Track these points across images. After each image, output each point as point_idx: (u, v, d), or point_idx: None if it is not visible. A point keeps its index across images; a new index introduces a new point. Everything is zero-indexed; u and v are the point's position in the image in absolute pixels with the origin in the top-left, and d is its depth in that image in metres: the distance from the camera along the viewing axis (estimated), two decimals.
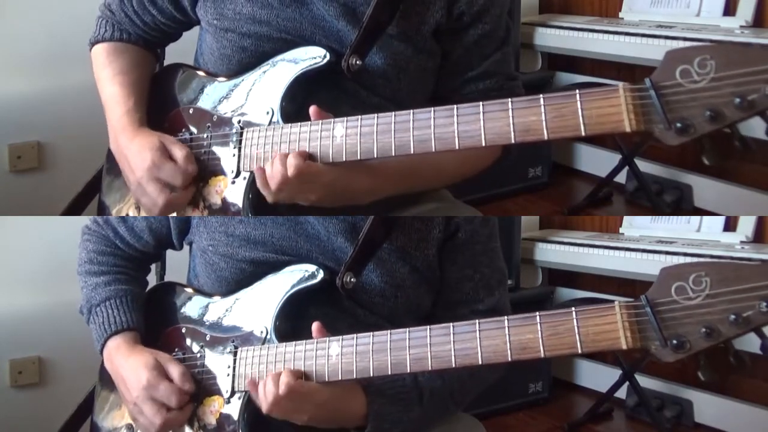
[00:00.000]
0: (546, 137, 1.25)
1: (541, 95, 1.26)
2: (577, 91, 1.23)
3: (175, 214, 1.58)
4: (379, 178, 1.47)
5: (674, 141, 1.16)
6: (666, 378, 2.98)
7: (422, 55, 1.53)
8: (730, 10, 2.94)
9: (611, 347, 1.22)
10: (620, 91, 1.20)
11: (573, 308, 1.24)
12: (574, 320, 1.24)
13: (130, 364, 1.54)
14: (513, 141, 1.28)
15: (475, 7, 1.54)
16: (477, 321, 1.30)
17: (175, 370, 1.52)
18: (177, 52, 1.75)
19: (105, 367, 1.62)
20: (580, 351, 1.23)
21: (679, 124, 1.16)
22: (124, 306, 1.61)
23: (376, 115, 1.38)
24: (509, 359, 1.28)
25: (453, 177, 1.60)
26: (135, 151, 1.54)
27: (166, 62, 1.74)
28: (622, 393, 3.04)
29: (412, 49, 1.52)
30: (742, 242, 2.82)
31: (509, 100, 1.28)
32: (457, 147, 1.32)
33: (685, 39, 2.84)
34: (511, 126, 1.28)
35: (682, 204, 3.04)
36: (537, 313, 1.27)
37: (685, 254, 2.80)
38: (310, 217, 1.51)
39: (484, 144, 1.30)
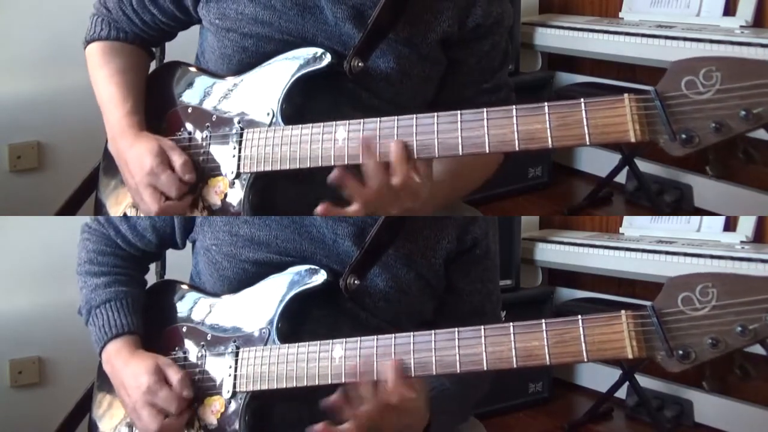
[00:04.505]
0: (550, 145, 1.25)
1: (545, 103, 1.26)
2: (582, 100, 1.23)
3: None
4: (437, 189, 1.45)
5: (679, 152, 1.16)
6: (666, 378, 2.99)
7: (426, 62, 1.53)
8: (730, 10, 2.94)
9: (617, 356, 1.22)
10: (625, 101, 1.20)
11: (579, 316, 1.24)
12: (580, 328, 1.24)
13: (130, 369, 1.54)
14: (517, 148, 1.27)
15: (490, 19, 1.55)
16: (482, 327, 1.30)
17: (174, 376, 1.51)
18: (177, 51, 1.75)
19: (104, 370, 1.62)
20: (585, 359, 1.23)
21: (683, 135, 1.16)
22: (124, 309, 1.60)
23: (378, 119, 1.37)
24: (514, 366, 1.28)
25: (476, 182, 1.61)
26: (134, 156, 1.54)
27: (166, 60, 1.74)
28: (622, 393, 3.05)
29: (417, 56, 1.51)
30: (742, 242, 2.82)
31: (513, 107, 1.28)
32: (460, 153, 1.31)
33: (685, 39, 2.85)
34: (516, 133, 1.27)
35: (682, 204, 3.04)
36: (543, 320, 1.27)
37: (685, 254, 2.81)
38: (316, 219, 1.51)
39: (488, 151, 1.30)
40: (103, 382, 1.66)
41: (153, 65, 1.73)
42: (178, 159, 1.52)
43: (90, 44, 1.67)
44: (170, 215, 1.56)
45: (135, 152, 1.54)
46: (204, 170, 1.53)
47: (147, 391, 1.50)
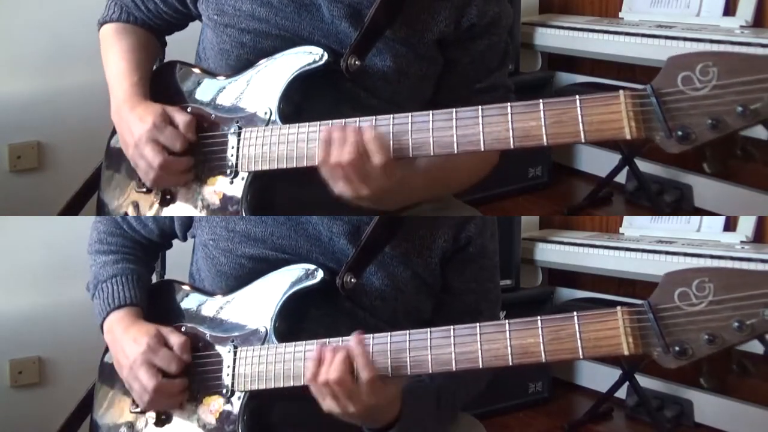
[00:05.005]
0: (545, 143, 1.25)
1: (540, 100, 1.25)
2: (577, 97, 1.22)
3: (174, 213, 1.57)
4: (413, 179, 1.46)
5: (675, 149, 1.15)
6: (666, 378, 2.98)
7: (423, 61, 1.53)
8: (730, 10, 2.94)
9: (613, 353, 1.22)
10: (621, 97, 1.20)
11: (575, 313, 1.24)
12: (576, 325, 1.24)
13: (130, 334, 1.55)
14: (512, 146, 1.27)
15: (486, 18, 1.54)
16: (478, 324, 1.30)
17: (176, 339, 1.53)
18: (179, 48, 1.76)
19: (105, 362, 1.63)
20: (581, 356, 1.23)
21: (680, 132, 1.16)
22: (129, 283, 1.62)
23: (374, 117, 1.37)
24: (510, 363, 1.27)
25: (468, 180, 1.61)
26: (136, 117, 1.54)
27: (166, 58, 1.74)
28: (622, 393, 3.05)
29: (414, 55, 1.52)
30: (742, 242, 2.82)
31: (508, 104, 1.28)
32: (455, 151, 1.31)
33: (685, 39, 2.84)
34: (510, 131, 1.27)
35: (682, 204, 3.04)
36: (538, 317, 1.26)
37: (685, 254, 2.80)
38: (312, 217, 1.51)
39: (483, 149, 1.29)
40: (105, 382, 1.66)
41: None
42: (181, 117, 1.52)
43: (103, 26, 1.70)
44: (170, 181, 1.54)
45: (137, 113, 1.54)
46: (203, 169, 1.53)
47: (146, 350, 1.51)
